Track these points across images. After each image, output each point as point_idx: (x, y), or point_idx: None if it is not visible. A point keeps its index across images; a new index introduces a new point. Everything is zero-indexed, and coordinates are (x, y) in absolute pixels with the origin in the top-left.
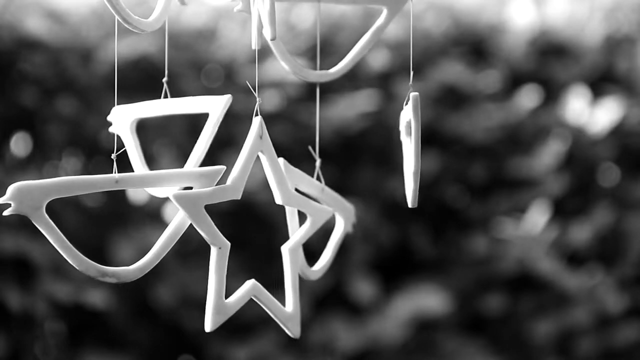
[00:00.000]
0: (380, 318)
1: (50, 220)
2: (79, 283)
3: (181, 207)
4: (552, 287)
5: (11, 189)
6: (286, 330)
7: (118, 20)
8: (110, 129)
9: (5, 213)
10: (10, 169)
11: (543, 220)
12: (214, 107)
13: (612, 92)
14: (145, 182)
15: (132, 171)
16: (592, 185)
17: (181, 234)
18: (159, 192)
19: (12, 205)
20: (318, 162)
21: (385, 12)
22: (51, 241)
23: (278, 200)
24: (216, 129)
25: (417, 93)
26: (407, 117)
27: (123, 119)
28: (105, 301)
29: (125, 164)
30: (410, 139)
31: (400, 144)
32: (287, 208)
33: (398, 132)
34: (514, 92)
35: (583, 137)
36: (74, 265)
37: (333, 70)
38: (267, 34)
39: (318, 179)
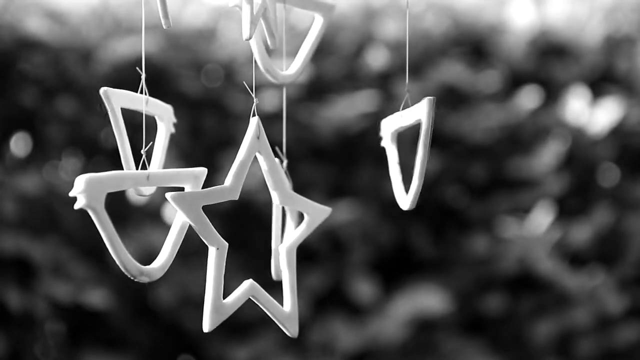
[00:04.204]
0: (380, 318)
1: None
2: (79, 283)
3: (178, 207)
4: (553, 288)
5: (83, 180)
6: (284, 330)
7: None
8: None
9: (76, 207)
10: (10, 169)
11: (547, 221)
12: (166, 113)
13: (612, 92)
14: (168, 180)
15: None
16: (592, 185)
17: (187, 227)
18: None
19: (83, 198)
20: (285, 163)
21: (319, 17)
22: (103, 236)
23: (276, 200)
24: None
25: (433, 97)
26: (397, 124)
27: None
28: (105, 301)
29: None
30: (394, 146)
31: (400, 144)
32: (274, 208)
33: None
34: (514, 92)
35: (583, 137)
36: (118, 263)
37: (290, 73)
38: (245, 32)
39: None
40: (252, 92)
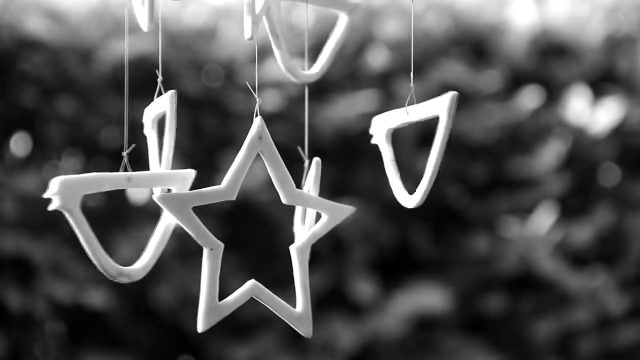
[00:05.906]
0: (381, 317)
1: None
2: (79, 283)
3: (166, 208)
4: (553, 287)
5: (57, 182)
6: (297, 330)
7: (129, 20)
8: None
9: (50, 208)
10: (10, 169)
11: (547, 221)
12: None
13: (612, 92)
14: (152, 181)
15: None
16: (593, 185)
17: (172, 229)
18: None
19: (57, 200)
20: (307, 163)
21: (343, 16)
22: (80, 238)
23: (284, 200)
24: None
25: (456, 93)
26: (397, 121)
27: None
28: (105, 301)
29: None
30: (389, 143)
31: (399, 144)
32: (297, 208)
33: (397, 132)
34: (514, 92)
35: (584, 137)
36: (96, 264)
37: (313, 72)
38: (246, 32)
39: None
40: (254, 92)
